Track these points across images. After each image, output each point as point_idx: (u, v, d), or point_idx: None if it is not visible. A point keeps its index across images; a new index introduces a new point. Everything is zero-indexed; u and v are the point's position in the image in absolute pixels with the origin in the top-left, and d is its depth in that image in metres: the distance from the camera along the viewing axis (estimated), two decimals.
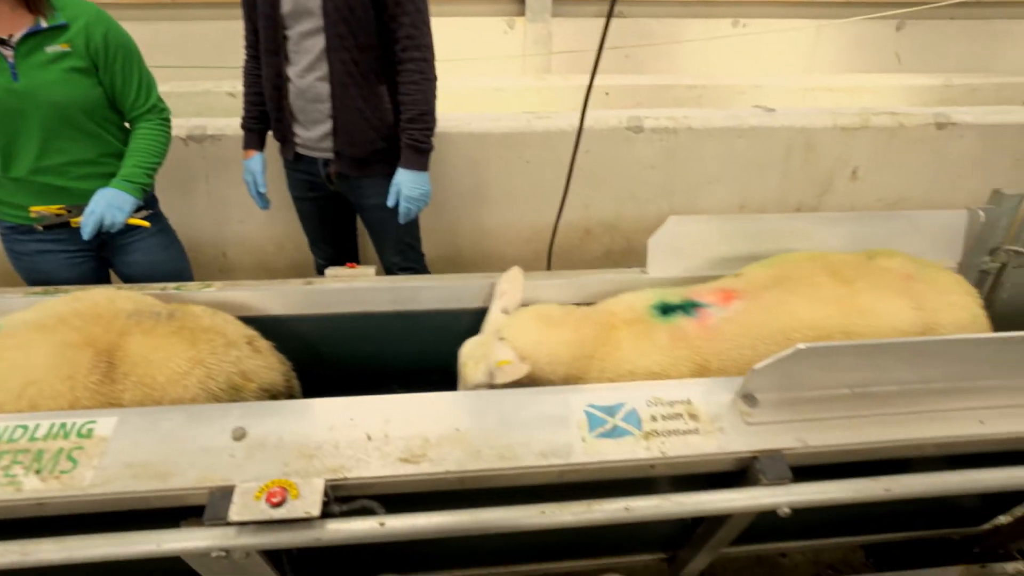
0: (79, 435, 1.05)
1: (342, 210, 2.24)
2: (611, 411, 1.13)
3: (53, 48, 1.58)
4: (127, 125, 1.85)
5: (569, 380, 1.34)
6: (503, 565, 1.63)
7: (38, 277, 1.86)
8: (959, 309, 1.42)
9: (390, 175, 1.98)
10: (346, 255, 2.39)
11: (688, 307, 1.43)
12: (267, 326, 1.57)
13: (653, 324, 1.40)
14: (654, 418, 1.13)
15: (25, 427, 1.05)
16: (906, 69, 5.36)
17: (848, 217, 1.69)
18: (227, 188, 2.63)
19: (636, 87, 4.11)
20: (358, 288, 1.60)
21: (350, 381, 1.67)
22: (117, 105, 1.77)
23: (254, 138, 2.09)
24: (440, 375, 1.59)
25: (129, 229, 1.84)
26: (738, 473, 1.14)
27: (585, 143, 2.67)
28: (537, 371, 1.35)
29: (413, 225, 2.22)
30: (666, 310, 1.43)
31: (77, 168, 1.73)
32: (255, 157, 2.08)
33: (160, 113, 1.85)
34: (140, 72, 1.77)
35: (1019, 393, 1.20)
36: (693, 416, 1.14)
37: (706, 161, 2.78)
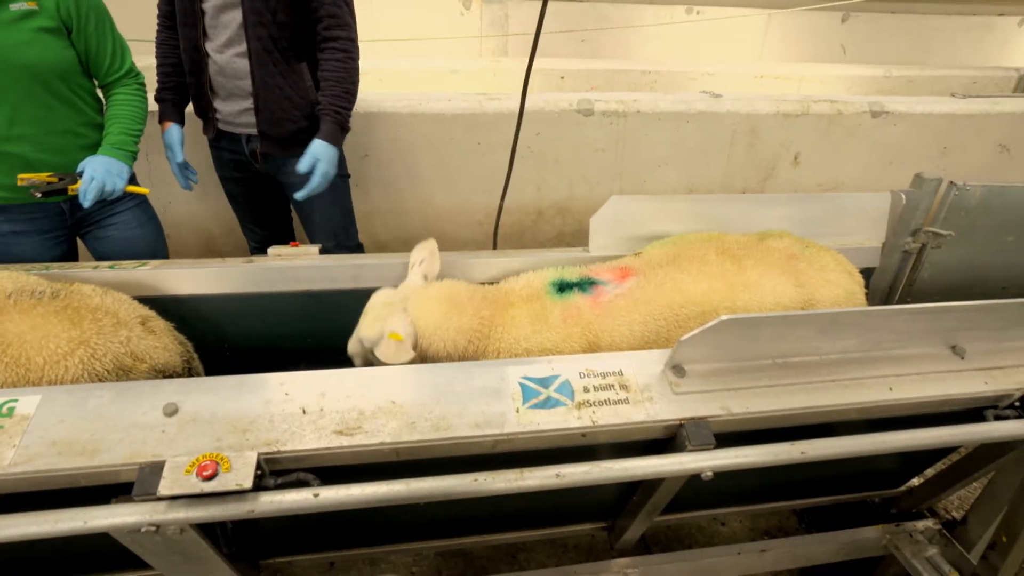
0: (0, 415, 1.02)
1: (272, 190, 2.20)
2: (545, 383, 1.16)
3: (18, 5, 1.50)
4: (99, 94, 1.78)
5: (466, 359, 1.37)
6: (443, 539, 1.67)
7: (9, 260, 1.76)
8: (835, 287, 1.50)
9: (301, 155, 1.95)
10: (281, 238, 2.35)
11: (585, 284, 1.47)
12: (201, 305, 1.56)
13: (548, 302, 1.43)
14: (586, 389, 1.16)
15: None
16: (850, 60, 5.56)
17: (780, 199, 1.77)
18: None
19: (591, 71, 4.14)
20: (297, 267, 1.58)
21: (286, 361, 1.66)
22: (92, 70, 1.70)
23: (169, 109, 2.00)
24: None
25: (109, 203, 1.78)
26: (666, 441, 1.19)
27: (536, 125, 2.69)
28: (432, 353, 1.38)
29: (346, 206, 2.20)
30: (562, 288, 1.46)
31: (54, 138, 1.64)
32: (172, 128, 1.98)
33: (136, 78, 1.79)
34: (113, 35, 1.70)
35: (925, 361, 1.28)
36: (624, 387, 1.18)
37: (655, 145, 2.84)
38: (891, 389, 1.24)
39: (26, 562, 1.37)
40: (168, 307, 1.49)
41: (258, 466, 0.97)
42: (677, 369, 1.21)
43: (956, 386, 1.26)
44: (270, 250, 1.66)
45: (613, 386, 1.18)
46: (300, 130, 1.95)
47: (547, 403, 1.13)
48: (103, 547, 1.11)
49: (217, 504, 0.94)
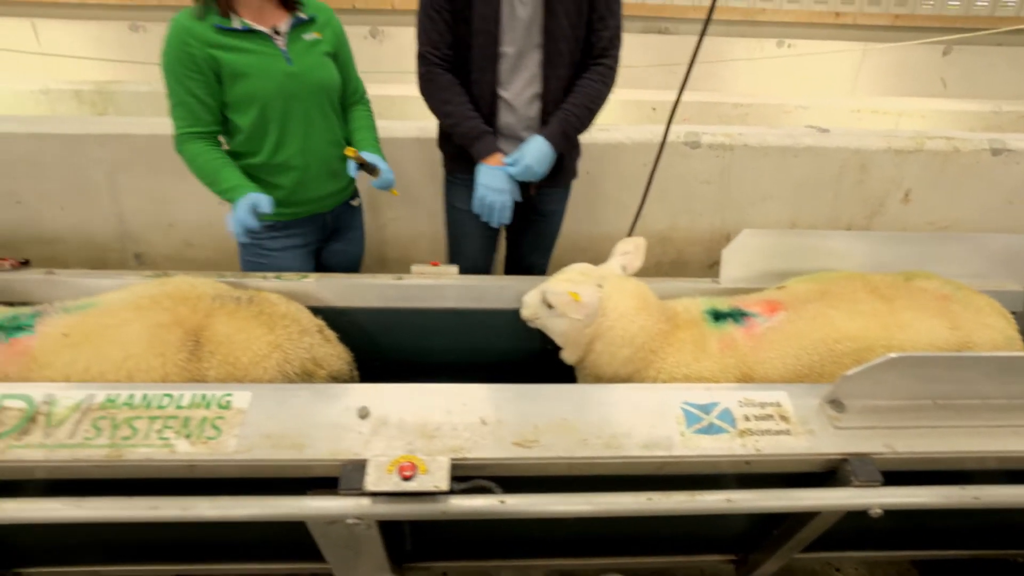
0: (219, 406, 1.14)
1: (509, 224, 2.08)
2: (706, 409, 1.20)
3: (309, 36, 1.73)
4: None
5: (627, 366, 1.41)
6: (563, 558, 1.70)
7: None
8: (994, 331, 1.46)
9: (568, 184, 2.04)
10: (485, 264, 2.29)
11: (737, 315, 1.49)
12: (356, 317, 1.67)
13: (707, 330, 1.47)
14: (747, 418, 1.19)
15: (170, 396, 1.15)
16: (951, 94, 5.37)
17: (915, 238, 1.74)
18: None
19: (683, 103, 4.16)
20: (444, 285, 1.68)
21: (429, 374, 1.75)
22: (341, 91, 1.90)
23: (491, 139, 1.85)
24: (494, 369, 1.67)
25: (351, 216, 2.01)
26: (825, 475, 1.19)
27: (644, 156, 2.75)
28: (603, 340, 1.43)
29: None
30: (718, 316, 1.49)
31: (328, 148, 1.82)
32: (500, 166, 1.82)
33: (367, 102, 1.99)
34: (354, 63, 1.91)
35: None
36: (784, 418, 1.20)
37: (760, 178, 2.84)
38: None
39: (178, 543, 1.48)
40: (328, 317, 1.61)
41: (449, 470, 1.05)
42: (836, 404, 1.22)
43: None
44: (413, 268, 1.78)
45: (773, 416, 1.20)
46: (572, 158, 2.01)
47: (710, 429, 1.16)
48: (255, 535, 1.20)
49: (415, 503, 1.02)
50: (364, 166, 1.75)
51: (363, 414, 1.14)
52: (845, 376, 1.16)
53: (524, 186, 1.93)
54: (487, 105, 1.85)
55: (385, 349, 1.72)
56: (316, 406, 1.16)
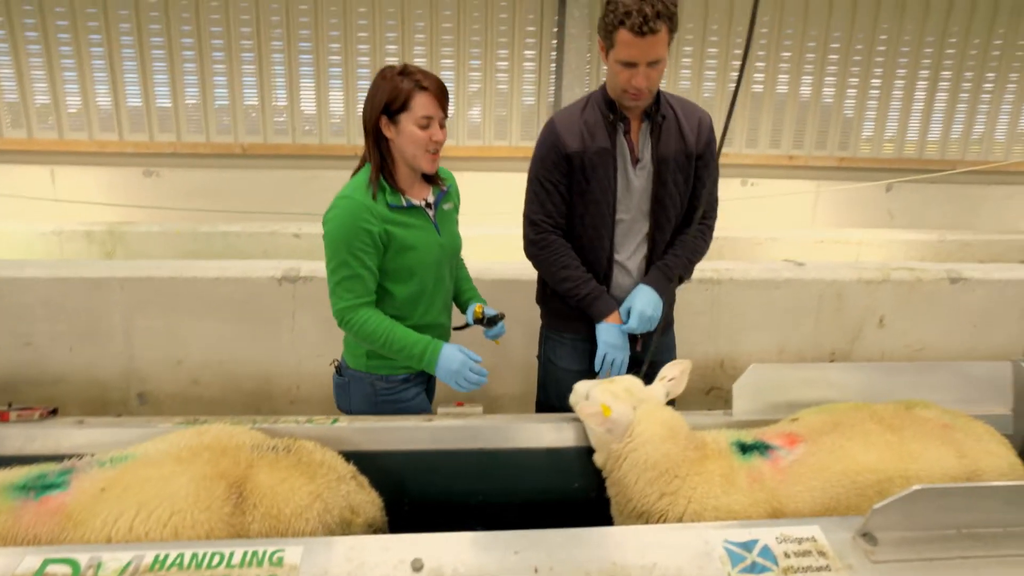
0: (271, 563, 1.14)
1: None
2: (747, 547, 1.23)
3: (448, 205, 1.91)
4: None
5: (652, 486, 1.46)
6: None
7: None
8: (998, 458, 1.55)
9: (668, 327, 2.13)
10: None
11: (762, 448, 1.56)
12: (384, 461, 1.69)
13: (735, 463, 1.53)
14: (787, 555, 1.23)
15: (221, 554, 1.14)
16: (897, 225, 5.91)
17: (905, 367, 1.89)
18: (309, 325, 2.84)
19: None
20: (472, 426, 1.73)
21: (459, 517, 1.75)
22: None
23: (608, 300, 1.96)
24: (524, 510, 1.68)
25: None
26: None
27: None
28: (627, 462, 1.51)
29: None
30: (744, 449, 1.56)
31: (445, 308, 1.97)
32: (616, 325, 1.94)
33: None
34: None
35: None
36: (822, 553, 1.24)
37: (747, 309, 3.05)
38: None
39: None
40: (359, 462, 1.63)
41: None
42: (869, 537, 1.26)
43: None
44: (440, 409, 1.83)
45: (811, 552, 1.24)
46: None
47: (754, 568, 1.19)
48: None
49: None
50: (482, 320, 1.92)
51: (417, 566, 1.15)
52: (875, 509, 1.23)
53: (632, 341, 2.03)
54: (603, 268, 1.99)
55: (414, 492, 1.72)
56: (369, 558, 1.16)
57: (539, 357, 2.26)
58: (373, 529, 1.44)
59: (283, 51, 5.05)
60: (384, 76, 1.69)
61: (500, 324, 1.93)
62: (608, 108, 1.90)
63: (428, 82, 1.68)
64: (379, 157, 1.74)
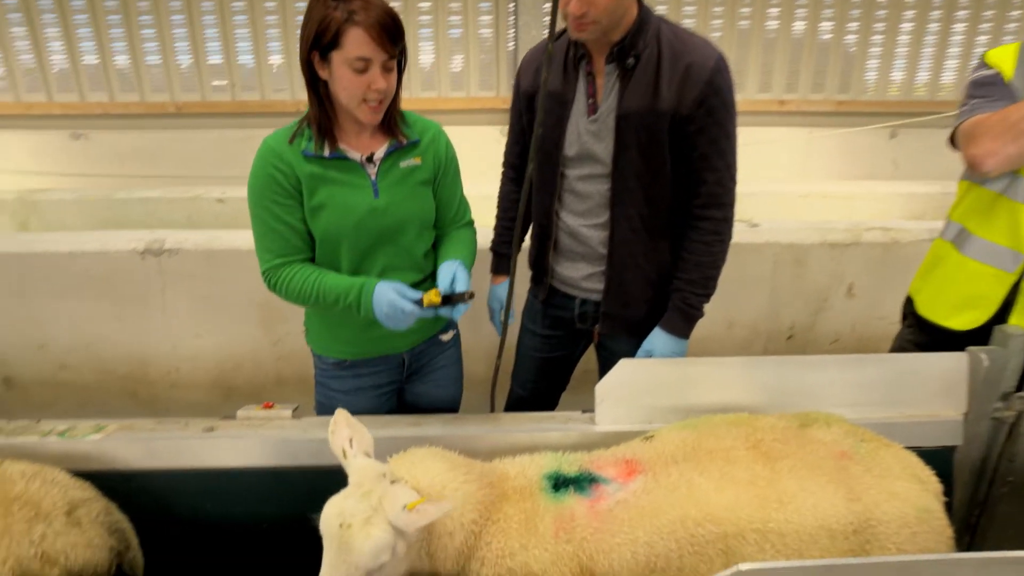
0: None
1: (578, 350, 1.96)
2: None
3: (407, 163, 1.52)
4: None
5: (460, 556, 1.08)
6: None
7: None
8: (902, 502, 1.14)
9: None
10: (553, 395, 2.07)
11: (583, 481, 1.17)
12: (152, 481, 1.38)
13: (541, 503, 1.14)
14: None
15: None
16: (902, 175, 5.32)
17: (830, 361, 1.50)
18: (182, 302, 2.53)
19: None
20: (269, 437, 1.40)
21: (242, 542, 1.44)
22: (437, 217, 1.64)
23: (504, 262, 1.86)
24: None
25: (438, 353, 1.74)
26: None
27: None
28: (438, 530, 1.08)
29: None
30: (558, 484, 1.17)
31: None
32: (504, 283, 1.81)
33: (471, 225, 1.72)
34: (460, 186, 1.68)
35: None
36: None
37: None
38: None
39: None
40: (114, 484, 1.32)
41: None
42: None
43: None
44: (240, 413, 1.51)
45: None
46: (649, 310, 1.72)
47: None
48: None
49: None
50: (447, 301, 1.44)
51: None
52: None
53: (581, 317, 1.80)
54: (548, 225, 1.75)
55: (186, 515, 1.41)
56: None
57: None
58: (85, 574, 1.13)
59: None
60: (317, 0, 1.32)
61: (460, 305, 1.45)
62: (574, 43, 1.54)
63: (365, 14, 1.28)
64: (316, 100, 1.41)
